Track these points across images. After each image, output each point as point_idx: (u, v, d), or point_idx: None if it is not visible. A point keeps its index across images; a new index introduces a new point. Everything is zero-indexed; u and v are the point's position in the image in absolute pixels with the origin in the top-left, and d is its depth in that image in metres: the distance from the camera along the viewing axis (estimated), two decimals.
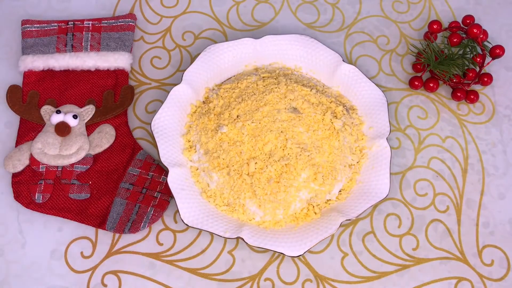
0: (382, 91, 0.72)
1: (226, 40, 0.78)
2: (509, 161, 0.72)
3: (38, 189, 0.66)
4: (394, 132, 0.73)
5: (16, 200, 0.66)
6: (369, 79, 0.72)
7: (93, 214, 0.66)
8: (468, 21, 0.76)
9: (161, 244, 0.65)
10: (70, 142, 0.68)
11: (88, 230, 0.66)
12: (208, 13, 0.80)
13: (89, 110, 0.71)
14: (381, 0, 0.82)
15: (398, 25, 0.81)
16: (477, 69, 0.76)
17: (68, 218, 0.66)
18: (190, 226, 0.63)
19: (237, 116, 0.66)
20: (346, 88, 0.73)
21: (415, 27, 0.80)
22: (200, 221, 0.63)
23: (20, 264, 0.64)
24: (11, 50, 0.76)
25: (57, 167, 0.68)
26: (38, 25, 0.75)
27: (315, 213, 0.65)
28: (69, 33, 0.74)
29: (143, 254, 0.65)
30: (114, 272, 0.64)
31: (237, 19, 0.80)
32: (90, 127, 0.70)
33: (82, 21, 0.75)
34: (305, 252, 0.62)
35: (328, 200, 0.66)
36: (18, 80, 0.74)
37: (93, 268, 0.64)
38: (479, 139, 0.73)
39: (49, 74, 0.73)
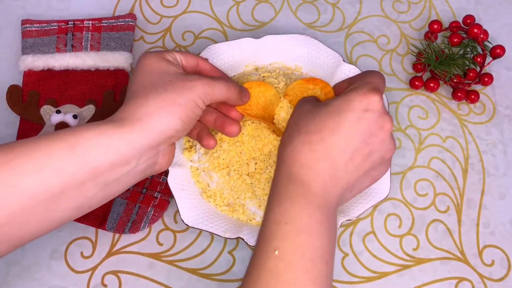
0: None
1: (226, 40, 0.78)
2: (509, 161, 0.72)
3: None
4: (394, 132, 0.73)
5: None
6: None
7: (93, 214, 0.66)
8: (468, 21, 0.76)
9: (161, 244, 0.65)
10: None
11: (88, 230, 0.66)
12: (208, 13, 0.80)
13: (89, 110, 0.71)
14: (381, 0, 0.82)
15: (399, 25, 0.80)
16: (478, 69, 0.76)
17: None
18: (190, 226, 0.63)
19: None
20: None
21: (416, 27, 0.80)
22: (200, 221, 0.63)
23: (20, 264, 0.64)
24: (10, 50, 0.76)
25: None
26: (38, 25, 0.75)
27: None
28: (69, 33, 0.74)
29: (143, 254, 0.65)
30: (114, 272, 0.64)
31: (237, 19, 0.80)
32: None
33: (82, 21, 0.75)
34: None
35: None
36: (18, 80, 0.74)
37: (93, 268, 0.64)
38: (480, 139, 0.73)
39: (49, 74, 0.73)
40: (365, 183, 0.57)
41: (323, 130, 0.52)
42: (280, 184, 0.53)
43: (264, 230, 0.51)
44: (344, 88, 0.59)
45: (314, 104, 0.58)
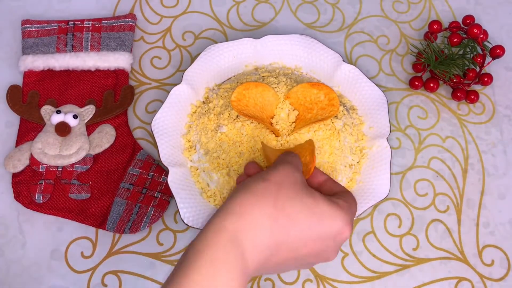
0: (382, 91, 0.72)
1: (226, 40, 0.78)
2: (509, 161, 0.72)
3: (38, 189, 0.66)
4: (394, 132, 0.73)
5: (16, 200, 0.66)
6: (369, 79, 0.72)
7: (93, 214, 0.66)
8: (468, 21, 0.76)
9: (161, 244, 0.66)
10: (70, 142, 0.68)
11: (88, 230, 0.66)
12: (208, 13, 0.80)
13: (89, 110, 0.71)
14: (381, 0, 0.82)
15: (398, 25, 0.81)
16: (477, 69, 0.76)
17: (68, 218, 0.66)
18: (190, 226, 0.63)
19: (237, 116, 0.66)
20: (346, 88, 0.73)
21: (415, 27, 0.80)
22: (201, 221, 0.63)
23: (20, 264, 0.64)
24: (11, 50, 0.76)
25: (57, 167, 0.68)
26: (38, 25, 0.75)
27: None
28: (69, 33, 0.74)
29: (143, 254, 0.65)
30: (115, 272, 0.64)
31: (237, 19, 0.80)
32: (90, 127, 0.70)
33: (82, 21, 0.75)
34: None
35: None
36: (18, 80, 0.74)
37: (93, 268, 0.64)
38: (479, 139, 0.73)
39: (49, 74, 0.73)
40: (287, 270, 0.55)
41: (296, 223, 0.48)
42: (220, 239, 0.46)
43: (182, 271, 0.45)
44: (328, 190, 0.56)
45: (305, 183, 0.53)
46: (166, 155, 0.66)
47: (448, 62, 0.72)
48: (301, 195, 0.50)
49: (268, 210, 0.48)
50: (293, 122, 0.66)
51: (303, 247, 0.50)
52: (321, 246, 0.50)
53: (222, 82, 0.73)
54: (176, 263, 0.64)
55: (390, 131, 0.69)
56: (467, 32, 0.73)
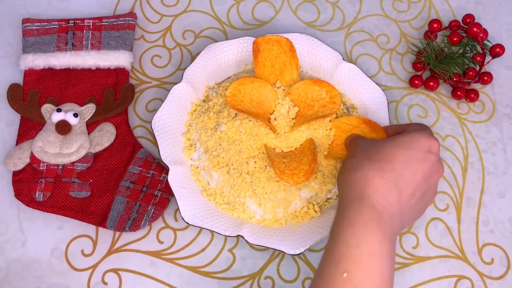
0: (382, 90, 0.72)
1: (227, 39, 0.78)
2: (509, 159, 0.72)
3: (38, 188, 0.67)
4: None
5: (17, 198, 0.66)
6: (369, 78, 0.72)
7: (93, 213, 0.66)
8: (468, 20, 0.76)
9: (161, 242, 0.66)
10: (70, 141, 0.68)
11: (89, 229, 0.66)
12: (209, 12, 0.80)
13: (89, 109, 0.71)
14: None
15: (398, 24, 0.81)
16: (477, 68, 0.76)
17: (68, 217, 0.66)
18: (190, 224, 0.63)
19: (236, 114, 0.66)
20: (346, 87, 0.73)
21: (415, 26, 0.81)
22: (201, 219, 0.63)
23: (21, 262, 0.64)
24: (11, 48, 0.76)
25: (58, 165, 0.68)
26: (38, 23, 0.75)
27: (316, 211, 0.65)
28: (69, 32, 0.74)
29: (143, 252, 0.65)
30: (115, 270, 0.64)
31: (238, 18, 0.80)
32: (91, 125, 0.71)
33: (82, 19, 0.75)
34: (305, 250, 0.62)
35: (328, 199, 0.66)
36: (19, 79, 0.74)
37: (94, 266, 0.64)
38: (479, 137, 0.73)
39: (49, 72, 0.73)
40: (412, 221, 0.59)
41: (394, 161, 0.54)
42: (351, 207, 0.52)
43: (331, 253, 0.51)
44: (393, 132, 0.63)
45: (373, 139, 0.62)
46: (166, 153, 0.66)
47: (448, 61, 0.73)
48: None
49: (370, 165, 0.55)
50: (293, 119, 0.66)
51: (415, 173, 0.54)
52: (426, 162, 0.55)
53: (222, 81, 0.74)
54: (176, 261, 0.64)
55: None
56: (467, 31, 0.73)
